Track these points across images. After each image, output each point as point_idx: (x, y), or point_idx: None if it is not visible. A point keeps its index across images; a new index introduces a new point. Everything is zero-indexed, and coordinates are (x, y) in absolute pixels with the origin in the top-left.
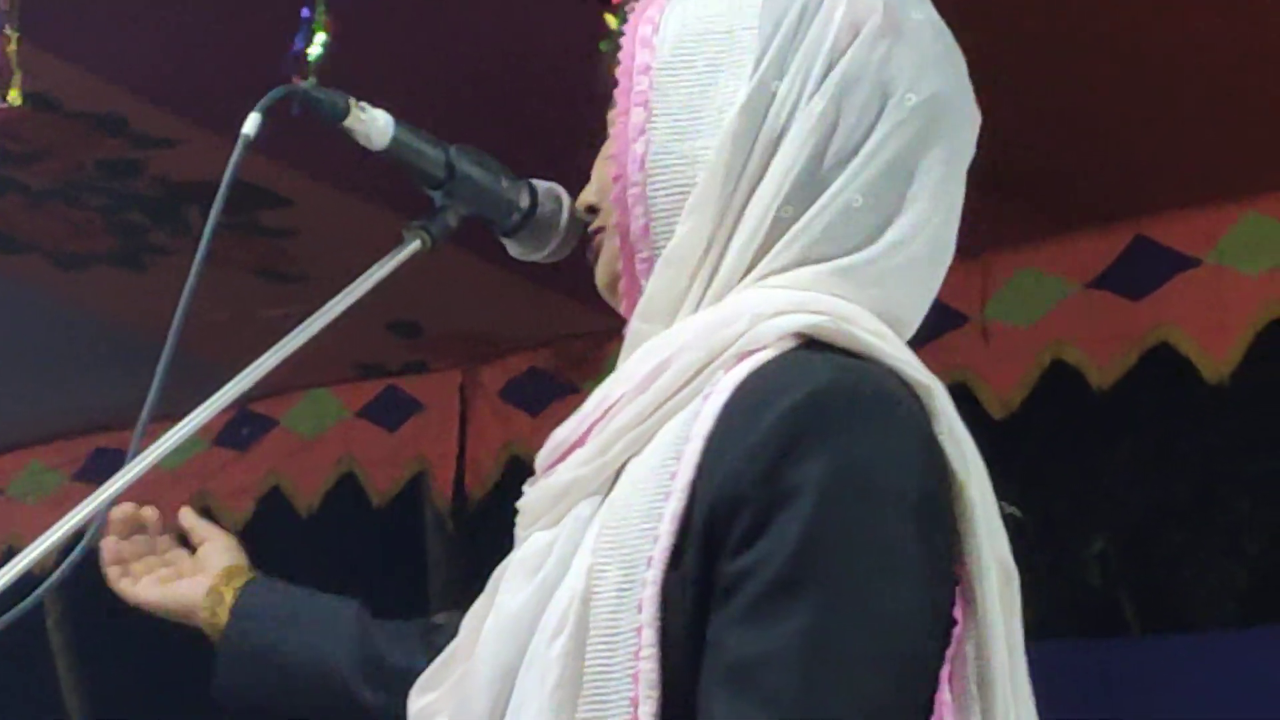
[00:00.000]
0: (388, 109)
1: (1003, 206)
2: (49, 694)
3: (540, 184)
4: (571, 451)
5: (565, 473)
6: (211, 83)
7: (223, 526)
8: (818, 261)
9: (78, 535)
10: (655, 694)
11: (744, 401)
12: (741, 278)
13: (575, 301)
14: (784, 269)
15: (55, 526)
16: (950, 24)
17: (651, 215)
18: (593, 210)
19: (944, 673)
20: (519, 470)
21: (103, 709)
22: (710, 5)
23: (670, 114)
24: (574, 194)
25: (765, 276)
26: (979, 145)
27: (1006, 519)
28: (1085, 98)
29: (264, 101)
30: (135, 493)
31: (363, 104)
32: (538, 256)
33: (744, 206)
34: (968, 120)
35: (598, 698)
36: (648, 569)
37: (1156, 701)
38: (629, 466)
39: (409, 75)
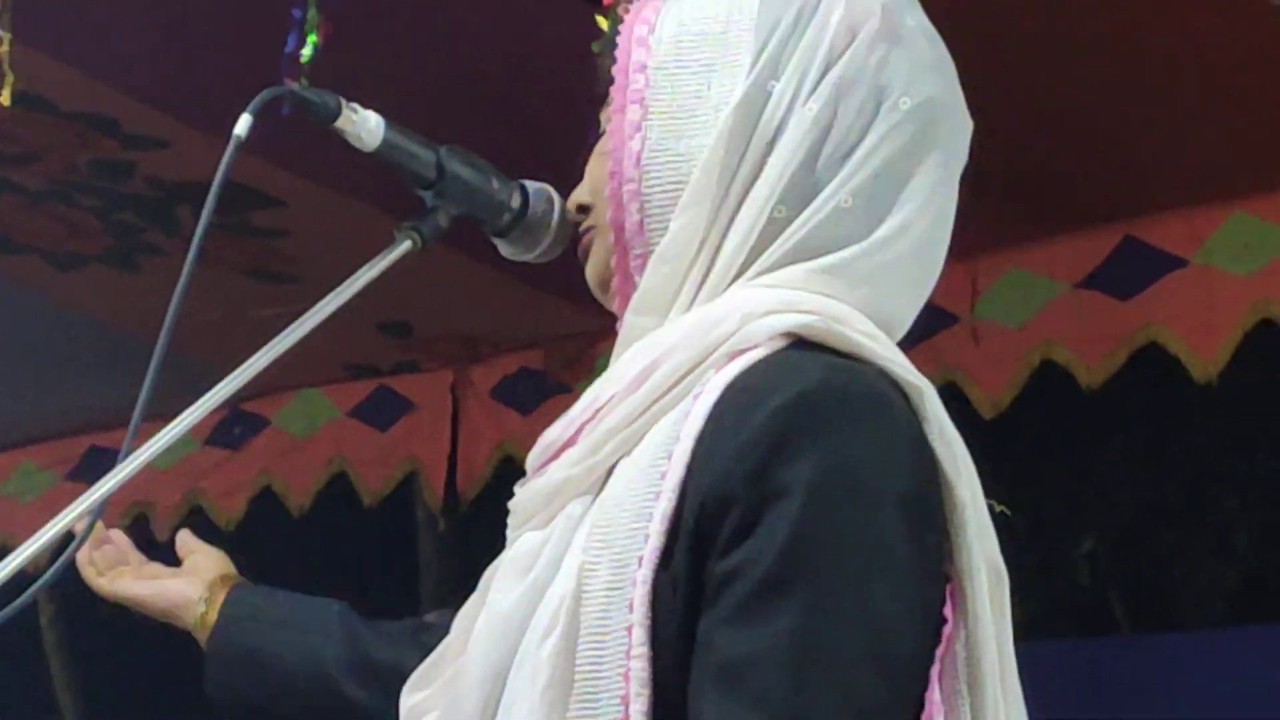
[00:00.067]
0: (379, 110)
1: (992, 207)
2: (43, 693)
3: (531, 185)
4: (562, 452)
5: (556, 473)
6: (204, 84)
7: (215, 526)
8: (807, 260)
9: (71, 534)
10: (646, 692)
11: (734, 401)
12: (735, 277)
13: (566, 302)
14: (775, 268)
15: (48, 526)
16: (941, 28)
17: (646, 212)
18: (584, 210)
19: (934, 671)
20: (510, 470)
21: (96, 707)
22: (707, 6)
23: (666, 112)
24: (565, 195)
25: (758, 276)
26: (970, 146)
27: (996, 518)
28: (1074, 100)
29: (255, 102)
30: (128, 492)
31: (354, 105)
32: (529, 257)
33: (738, 206)
34: (961, 127)
35: (589, 696)
36: (638, 568)
37: (1146, 700)
38: (619, 466)
39: (400, 77)
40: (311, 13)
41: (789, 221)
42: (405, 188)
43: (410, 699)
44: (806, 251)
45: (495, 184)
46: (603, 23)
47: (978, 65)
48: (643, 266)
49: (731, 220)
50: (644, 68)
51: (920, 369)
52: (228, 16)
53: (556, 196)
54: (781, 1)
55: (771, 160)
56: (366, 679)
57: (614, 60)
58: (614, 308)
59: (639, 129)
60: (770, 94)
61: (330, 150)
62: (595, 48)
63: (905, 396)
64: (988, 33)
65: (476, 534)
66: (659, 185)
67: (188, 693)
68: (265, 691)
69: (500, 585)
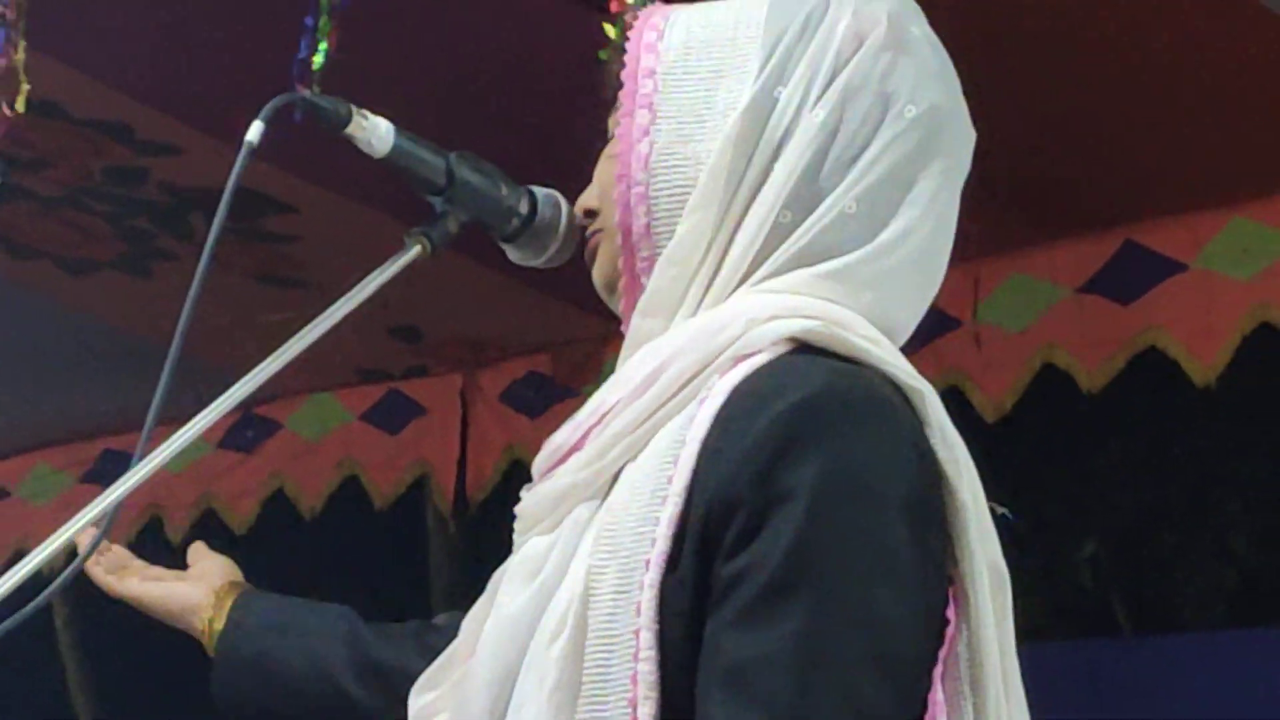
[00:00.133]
0: (389, 117)
1: (995, 212)
2: (57, 693)
3: (539, 190)
4: (569, 456)
5: (563, 477)
6: (216, 90)
7: (227, 528)
8: (811, 264)
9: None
10: (654, 695)
11: (739, 406)
12: (740, 281)
13: (574, 307)
14: (780, 273)
15: (64, 528)
16: (944, 34)
17: (654, 215)
18: (591, 214)
19: (937, 673)
20: (519, 473)
21: (110, 708)
22: (715, 13)
23: (674, 117)
24: (572, 201)
25: (763, 280)
26: (973, 151)
27: (998, 521)
28: (1076, 106)
29: (267, 109)
30: (142, 494)
31: (364, 112)
32: (537, 262)
33: (745, 210)
34: (964, 135)
35: (596, 699)
36: (645, 572)
37: (1148, 702)
38: (626, 471)
39: (410, 84)
40: (323, 20)
41: (794, 226)
42: (415, 193)
43: (419, 700)
44: (811, 256)
45: (504, 190)
46: (610, 30)
47: (980, 71)
48: (649, 269)
49: (738, 224)
50: (653, 73)
51: (923, 373)
52: (240, 24)
53: (564, 202)
54: (789, 9)
55: (778, 165)
56: (371, 680)
57: (623, 66)
58: (620, 310)
59: (647, 133)
60: (777, 100)
61: (341, 156)
62: (603, 55)
63: (907, 400)
64: (990, 39)
65: (486, 536)
66: (666, 188)
67: (200, 693)
68: (271, 697)
69: (508, 589)
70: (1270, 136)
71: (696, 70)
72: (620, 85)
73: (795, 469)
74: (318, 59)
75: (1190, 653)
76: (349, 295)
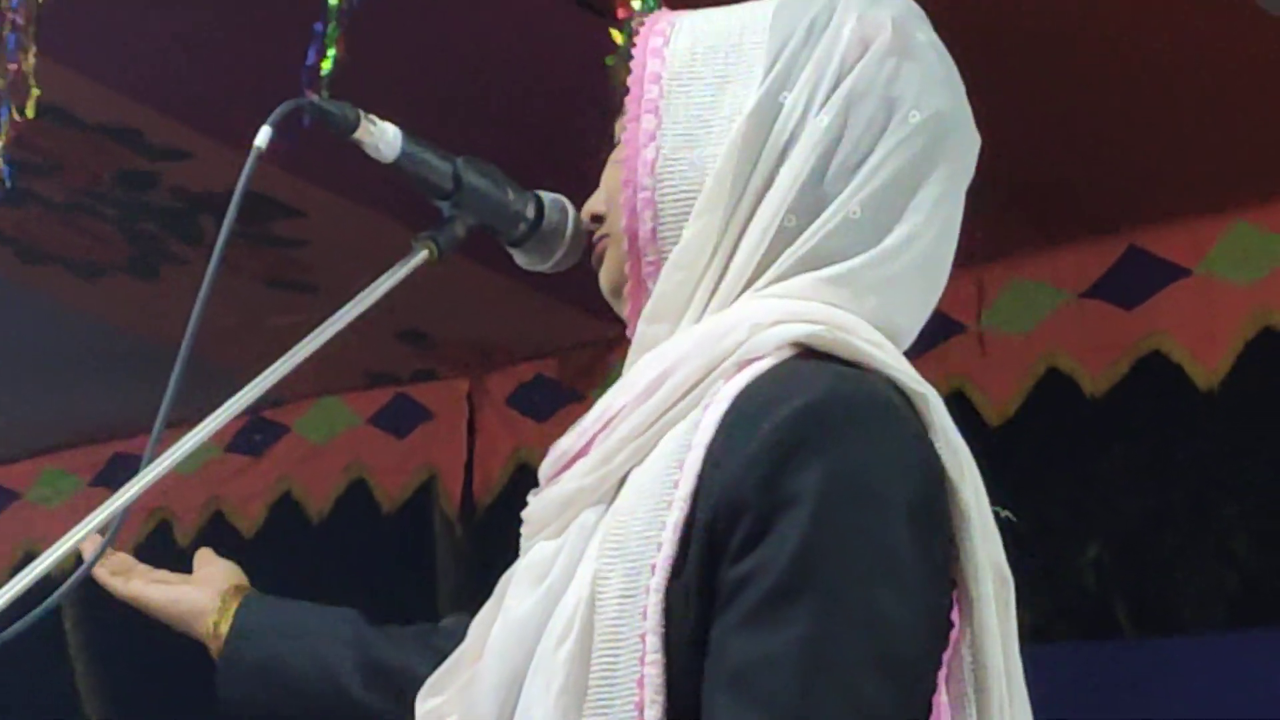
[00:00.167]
0: (397, 122)
1: (999, 218)
2: (67, 695)
3: (546, 195)
4: (575, 462)
5: (569, 483)
6: (225, 96)
7: (235, 531)
8: (816, 269)
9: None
10: (660, 698)
11: (743, 410)
12: (745, 285)
13: (580, 311)
14: (785, 277)
15: (73, 530)
16: (946, 39)
17: (659, 219)
18: (598, 218)
19: (941, 674)
20: (526, 476)
21: (120, 710)
22: (720, 19)
23: (680, 121)
24: (579, 206)
25: (768, 285)
26: (977, 157)
27: (1001, 524)
28: (1079, 112)
29: (275, 114)
30: (150, 498)
31: (372, 117)
32: (544, 266)
33: (750, 215)
34: (968, 142)
35: (603, 702)
36: (651, 576)
37: (1149, 703)
38: (631, 476)
39: (418, 89)
40: (331, 27)
41: (799, 231)
42: (422, 198)
43: (427, 703)
44: (815, 261)
45: (511, 195)
46: (617, 37)
47: (984, 77)
48: (655, 273)
49: (743, 229)
50: (659, 78)
51: (927, 377)
52: (249, 30)
53: (571, 207)
54: (795, 14)
55: (783, 170)
56: (376, 683)
57: (629, 71)
58: (626, 314)
59: (653, 138)
60: (782, 105)
61: (349, 161)
62: (610, 60)
63: (911, 404)
64: (994, 45)
65: (493, 539)
66: (672, 193)
67: (209, 696)
68: (277, 700)
69: (515, 593)
70: (1271, 142)
71: (702, 75)
72: (626, 91)
73: (800, 474)
74: (326, 65)
75: (1191, 654)
76: (357, 299)
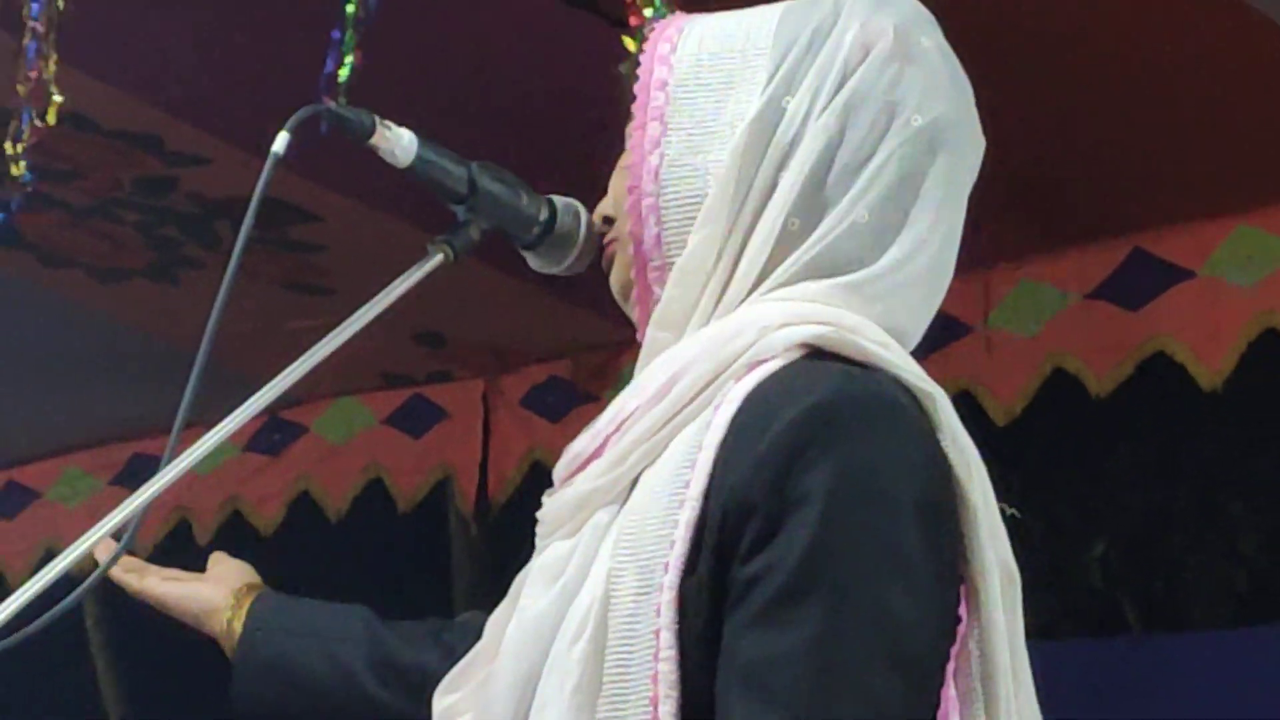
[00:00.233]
0: (413, 128)
1: (1005, 220)
2: (88, 692)
3: (559, 199)
4: (588, 463)
5: (583, 484)
6: (243, 102)
7: (254, 530)
8: (823, 276)
9: (115, 537)
10: (674, 694)
11: (753, 411)
12: (751, 290)
13: (593, 313)
14: (791, 282)
15: (94, 529)
16: (952, 41)
17: (664, 225)
18: (608, 222)
19: (950, 669)
20: (540, 475)
21: (141, 708)
22: (726, 25)
23: (684, 128)
24: (592, 210)
25: (774, 289)
26: (983, 160)
27: (1009, 522)
28: (1085, 116)
29: (293, 120)
30: (170, 497)
31: (388, 122)
32: (557, 269)
33: (754, 220)
34: (972, 145)
35: (618, 698)
36: (664, 574)
37: (1156, 700)
38: (644, 476)
39: (433, 96)
40: (349, 35)
41: (803, 234)
42: (438, 203)
43: (443, 701)
44: (824, 266)
45: (524, 199)
46: (630, 44)
47: (990, 81)
48: (661, 278)
49: (748, 234)
50: (664, 85)
51: (935, 377)
52: (267, 38)
53: (583, 211)
54: (799, 20)
55: (785, 175)
56: (390, 680)
57: (639, 78)
58: (636, 318)
59: (658, 145)
60: (785, 110)
61: (365, 166)
62: (623, 68)
63: (919, 403)
64: (999, 49)
65: (507, 538)
66: (676, 200)
67: (229, 693)
68: (291, 698)
69: (530, 592)
70: (1275, 145)
71: (707, 82)
72: (635, 97)
73: (809, 473)
74: (343, 72)
75: (1198, 652)
76: (373, 302)
